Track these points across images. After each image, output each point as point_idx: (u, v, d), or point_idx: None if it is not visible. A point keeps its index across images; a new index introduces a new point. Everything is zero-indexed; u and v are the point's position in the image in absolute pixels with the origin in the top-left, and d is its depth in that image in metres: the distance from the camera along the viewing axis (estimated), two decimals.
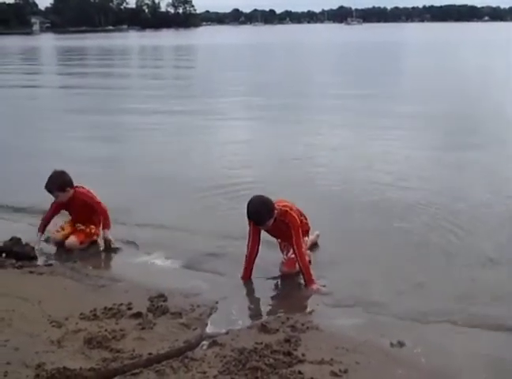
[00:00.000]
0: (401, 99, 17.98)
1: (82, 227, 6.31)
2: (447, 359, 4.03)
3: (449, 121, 13.68)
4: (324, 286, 5.08)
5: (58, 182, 6.09)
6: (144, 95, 20.38)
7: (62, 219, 6.46)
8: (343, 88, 21.03)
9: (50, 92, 22.75)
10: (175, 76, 29.08)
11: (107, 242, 6.15)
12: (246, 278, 5.30)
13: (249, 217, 5.20)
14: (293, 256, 5.28)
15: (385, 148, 10.63)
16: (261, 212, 5.13)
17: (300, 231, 5.29)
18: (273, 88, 21.52)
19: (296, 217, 5.33)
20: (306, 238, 5.72)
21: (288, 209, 5.31)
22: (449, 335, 4.34)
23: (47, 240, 6.28)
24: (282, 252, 5.53)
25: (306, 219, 5.71)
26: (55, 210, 6.33)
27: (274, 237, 5.61)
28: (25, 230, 6.43)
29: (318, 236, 6.10)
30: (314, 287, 5.07)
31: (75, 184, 6.20)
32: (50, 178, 6.09)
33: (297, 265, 5.24)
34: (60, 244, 6.24)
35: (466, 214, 6.96)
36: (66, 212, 6.43)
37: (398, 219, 6.81)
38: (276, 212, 5.18)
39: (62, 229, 6.33)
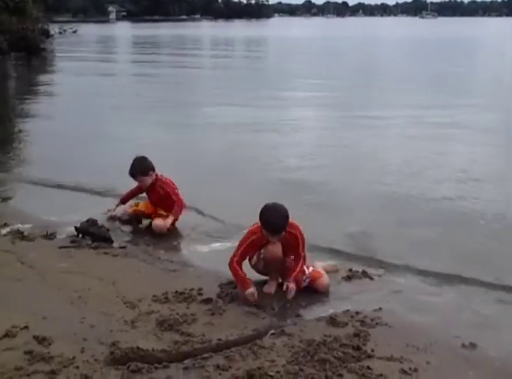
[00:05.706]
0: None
1: (165, 214, 6.37)
2: None
3: None
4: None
5: (141, 167, 6.27)
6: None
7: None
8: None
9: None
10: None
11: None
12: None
13: (267, 226, 4.65)
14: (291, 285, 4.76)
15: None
16: (281, 219, 4.64)
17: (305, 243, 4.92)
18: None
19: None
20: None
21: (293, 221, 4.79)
22: None
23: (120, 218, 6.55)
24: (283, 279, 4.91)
25: None
26: (137, 189, 6.55)
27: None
28: (102, 212, 6.60)
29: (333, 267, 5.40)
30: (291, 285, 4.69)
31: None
32: (133, 163, 6.28)
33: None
34: (129, 221, 6.50)
35: None
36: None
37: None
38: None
39: (137, 205, 6.55)
